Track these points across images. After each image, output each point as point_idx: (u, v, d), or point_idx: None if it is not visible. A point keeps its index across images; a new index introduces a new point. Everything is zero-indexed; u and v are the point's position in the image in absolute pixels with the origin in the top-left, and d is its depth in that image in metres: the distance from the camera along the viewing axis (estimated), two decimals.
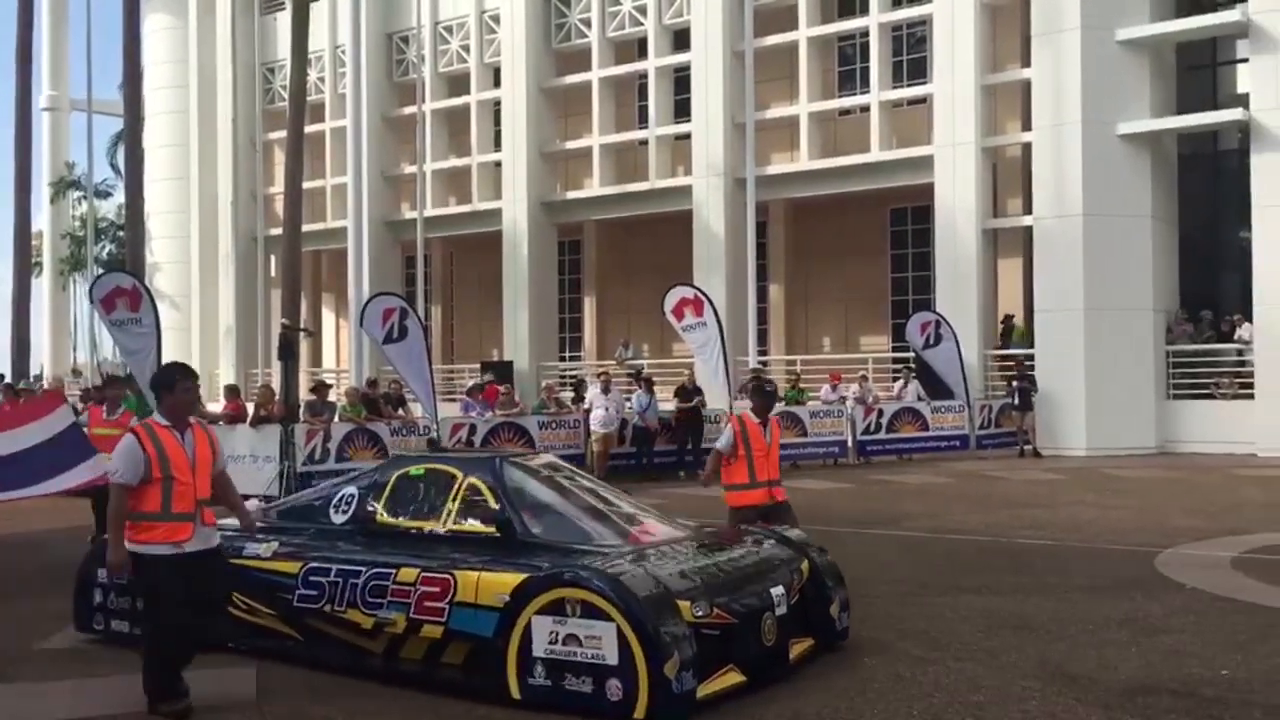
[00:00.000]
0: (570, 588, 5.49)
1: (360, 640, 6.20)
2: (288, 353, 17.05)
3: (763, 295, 27.11)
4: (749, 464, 8.31)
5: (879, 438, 20.39)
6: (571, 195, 29.41)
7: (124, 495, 5.53)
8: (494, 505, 6.41)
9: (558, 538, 6.32)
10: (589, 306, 31.69)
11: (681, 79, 27.52)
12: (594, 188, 28.69)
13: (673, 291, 20.08)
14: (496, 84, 30.02)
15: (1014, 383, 21.55)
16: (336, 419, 16.30)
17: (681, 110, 27.54)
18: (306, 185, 23.25)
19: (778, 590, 6.17)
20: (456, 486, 6.61)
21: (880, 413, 20.67)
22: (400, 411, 17.94)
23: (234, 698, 5.94)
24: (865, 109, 25.31)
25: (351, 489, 7.09)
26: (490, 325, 31.23)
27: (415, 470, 7.01)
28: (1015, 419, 21.35)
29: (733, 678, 5.64)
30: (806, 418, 20.13)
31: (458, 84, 31.24)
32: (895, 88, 25.24)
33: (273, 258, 31.84)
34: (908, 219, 26.95)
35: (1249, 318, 20.97)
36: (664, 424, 18.82)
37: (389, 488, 6.89)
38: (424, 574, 6.04)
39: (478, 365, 29.13)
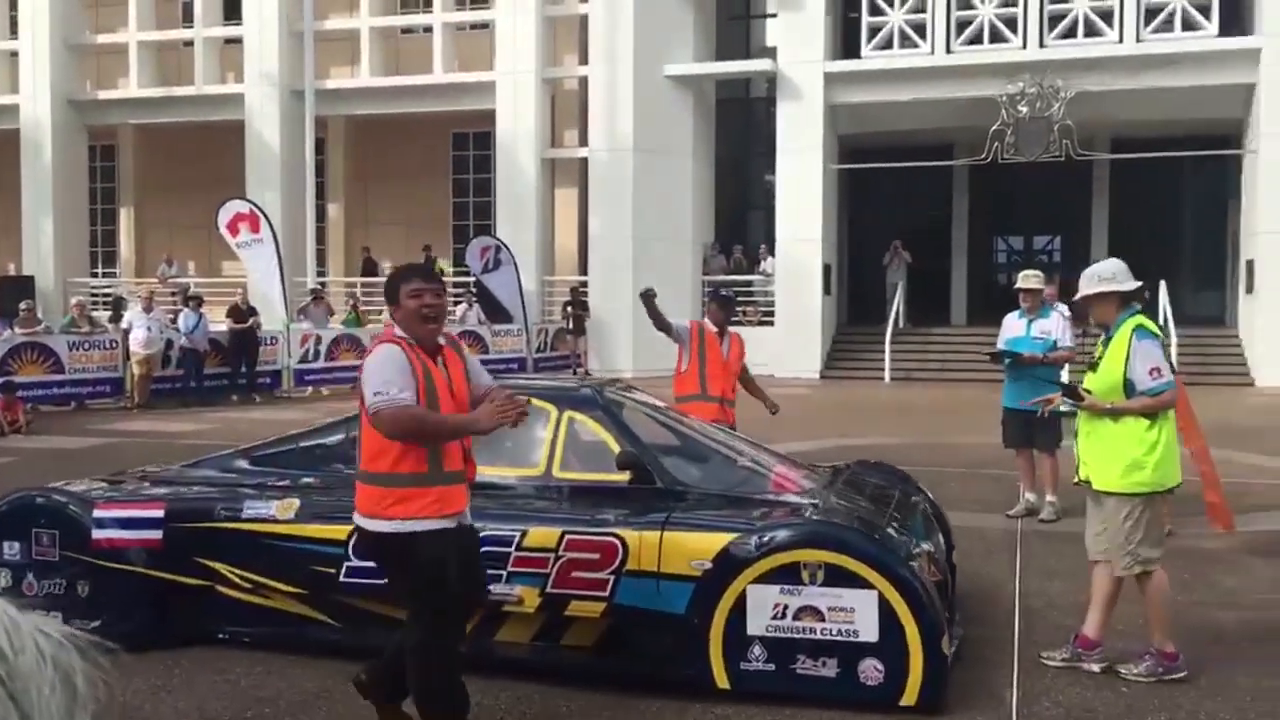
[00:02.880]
0: (810, 549, 4.40)
1: None
2: None
3: (321, 214, 26.27)
4: (700, 373, 7.23)
5: None
6: (105, 95, 26.66)
7: (413, 407, 3.83)
8: (616, 446, 5.00)
9: (711, 485, 5.07)
10: (126, 219, 29.05)
11: None
12: (131, 89, 26.20)
13: (227, 206, 19.04)
14: None
15: (568, 308, 22.56)
16: None
17: (232, 11, 25.75)
18: None
19: (939, 537, 5.48)
20: (552, 424, 5.12)
21: None
22: None
23: None
24: (429, 29, 25.05)
25: None
26: (7, 236, 27.77)
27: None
28: (569, 343, 22.40)
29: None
30: (367, 340, 19.91)
31: None
32: (459, 10, 25.17)
33: None
34: (470, 144, 27.13)
35: (772, 252, 23.29)
36: (215, 345, 17.83)
37: None
38: (570, 536, 4.68)
39: None
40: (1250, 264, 20.80)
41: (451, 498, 3.93)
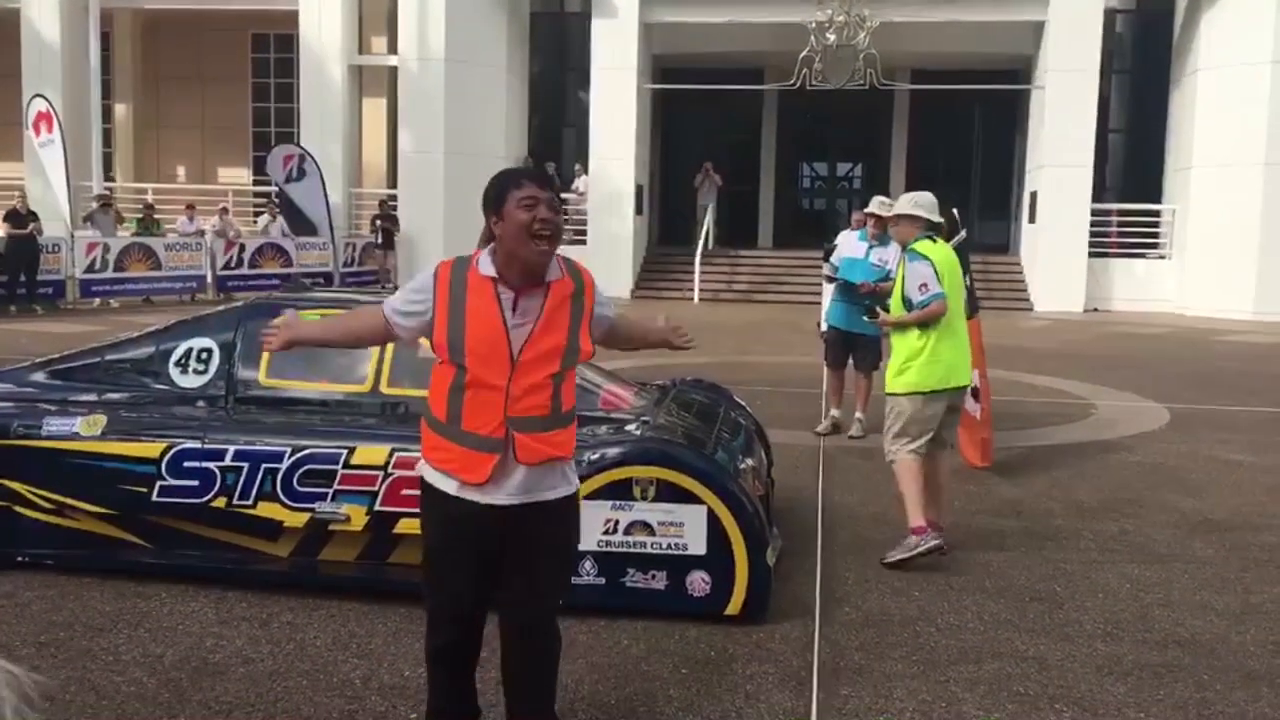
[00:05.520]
0: (643, 465, 4.46)
1: (256, 543, 4.77)
2: None
3: (107, 115, 24.63)
4: None
5: (241, 273, 19.78)
6: None
7: (379, 325, 3.22)
8: None
9: None
10: None
11: None
12: None
13: (32, 103, 18.06)
14: None
15: (377, 222, 21.99)
16: None
17: None
18: None
19: (761, 453, 5.69)
20: None
21: (242, 248, 20.04)
22: None
23: None
24: None
25: (202, 340, 5.13)
26: None
27: (305, 316, 4.70)
28: (379, 258, 21.87)
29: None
30: (161, 250, 18.95)
31: None
32: None
33: None
34: (270, 46, 25.87)
35: (586, 170, 23.23)
36: None
37: None
38: (400, 453, 4.55)
39: None
40: (1034, 195, 22.05)
41: (473, 465, 3.04)
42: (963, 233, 7.22)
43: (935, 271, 5.45)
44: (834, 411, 8.78)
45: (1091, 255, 21.60)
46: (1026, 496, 6.88)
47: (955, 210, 7.50)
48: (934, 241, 5.64)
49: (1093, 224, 21.61)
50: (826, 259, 8.77)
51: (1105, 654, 4.35)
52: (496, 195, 3.05)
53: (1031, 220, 22.22)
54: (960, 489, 6.98)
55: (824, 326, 9.04)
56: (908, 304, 5.50)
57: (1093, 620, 4.72)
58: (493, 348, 2.98)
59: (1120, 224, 22.61)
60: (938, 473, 5.62)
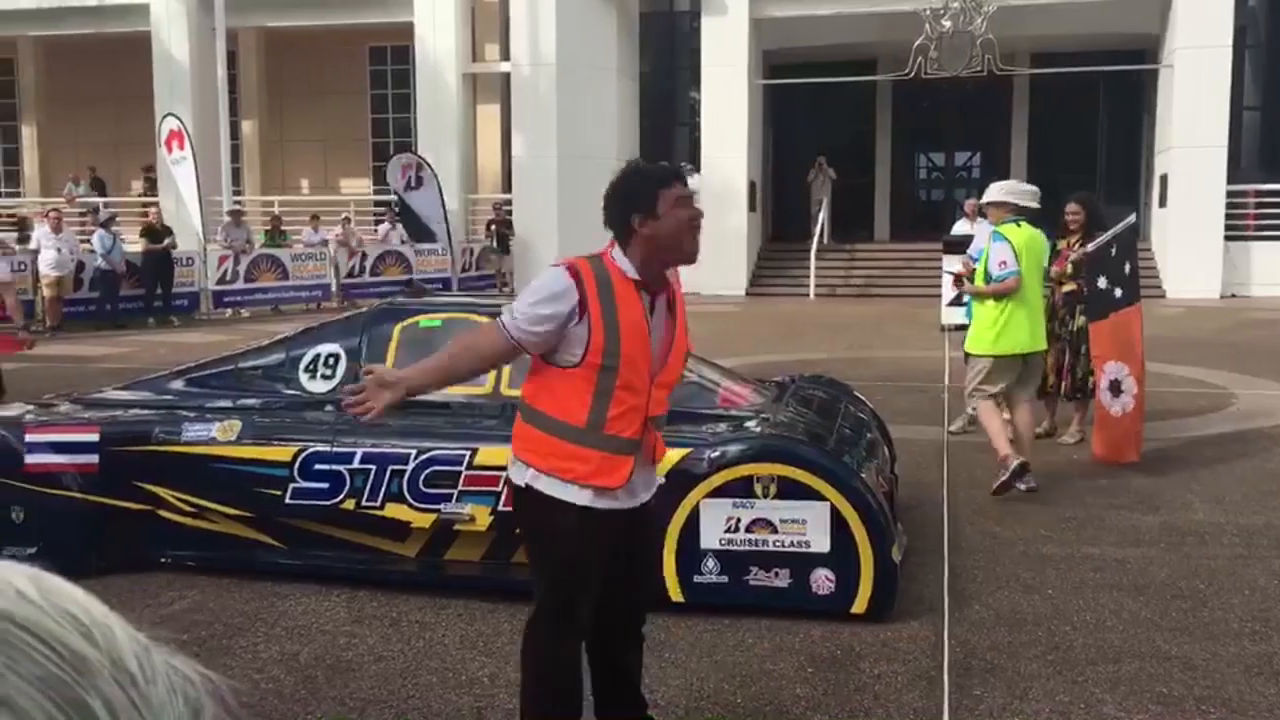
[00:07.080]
0: (764, 462, 4.41)
1: (385, 543, 4.88)
2: None
3: (235, 132, 25.50)
4: None
5: (363, 280, 20.29)
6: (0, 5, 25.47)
7: (507, 348, 3.05)
8: None
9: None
10: (29, 136, 27.98)
11: None
12: None
13: (164, 121, 19.02)
14: None
15: (493, 227, 22.32)
16: None
17: None
18: None
19: (883, 449, 5.62)
20: None
21: (364, 256, 20.57)
22: None
23: None
24: None
25: (329, 346, 5.25)
26: None
27: (429, 321, 5.14)
28: (495, 262, 22.19)
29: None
30: (288, 261, 19.56)
31: None
32: None
33: None
34: (387, 58, 26.46)
35: (699, 169, 23.18)
36: (130, 266, 17.37)
37: (393, 344, 5.06)
38: None
39: None
40: (1164, 178, 21.23)
41: (612, 469, 2.98)
42: (1131, 217, 7.55)
43: (1014, 251, 6.32)
44: (969, 409, 8.55)
45: (1228, 239, 20.70)
46: (1165, 490, 6.62)
47: (1089, 198, 7.81)
48: (1019, 225, 6.48)
49: (1228, 206, 20.71)
50: (947, 251, 8.58)
51: (1254, 653, 4.15)
52: (648, 195, 2.98)
53: (1162, 204, 21.39)
54: (1093, 483, 6.76)
55: (946, 323, 8.85)
56: (988, 278, 6.45)
57: (1239, 618, 4.52)
58: (644, 351, 2.99)
59: (1258, 205, 21.61)
60: (1019, 423, 6.62)
